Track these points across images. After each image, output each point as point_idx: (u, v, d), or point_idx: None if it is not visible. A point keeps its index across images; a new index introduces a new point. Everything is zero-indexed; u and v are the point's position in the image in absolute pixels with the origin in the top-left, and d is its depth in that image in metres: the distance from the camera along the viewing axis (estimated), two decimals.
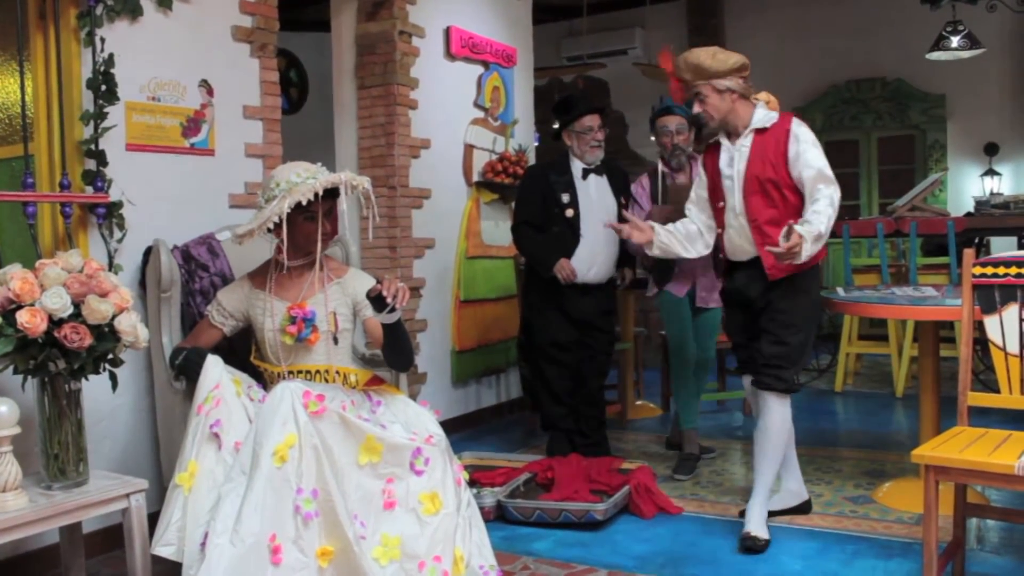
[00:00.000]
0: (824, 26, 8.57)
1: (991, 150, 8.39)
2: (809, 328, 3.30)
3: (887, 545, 3.18)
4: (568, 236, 4.11)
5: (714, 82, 3.22)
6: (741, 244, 3.33)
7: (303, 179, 2.73)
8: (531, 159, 5.70)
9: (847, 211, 7.90)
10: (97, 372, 2.49)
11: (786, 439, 3.34)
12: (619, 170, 4.31)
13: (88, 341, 2.38)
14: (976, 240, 6.56)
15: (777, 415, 3.24)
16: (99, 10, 3.10)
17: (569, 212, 4.11)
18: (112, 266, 3.14)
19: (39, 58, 3.08)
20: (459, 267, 5.16)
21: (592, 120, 4.13)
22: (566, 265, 4.07)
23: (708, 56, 3.23)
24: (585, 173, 4.16)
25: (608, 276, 4.22)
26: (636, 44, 9.23)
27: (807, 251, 2.95)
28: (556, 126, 4.27)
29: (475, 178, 5.28)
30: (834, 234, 4.08)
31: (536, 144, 6.17)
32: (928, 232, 5.72)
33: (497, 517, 3.48)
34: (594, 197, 4.15)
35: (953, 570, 2.79)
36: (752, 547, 3.12)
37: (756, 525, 3.18)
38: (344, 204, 2.80)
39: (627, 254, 4.28)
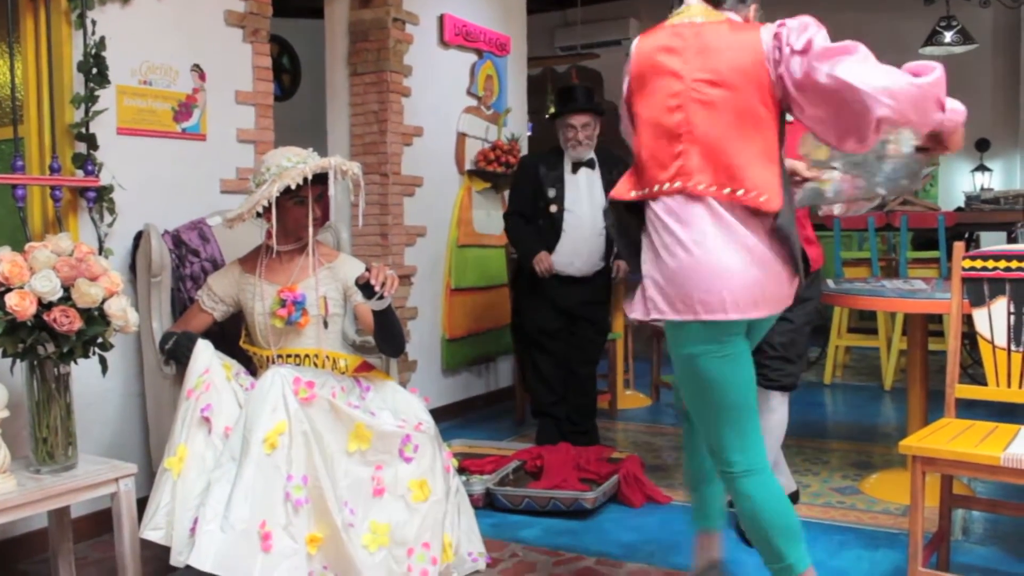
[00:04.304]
0: (818, 19, 8.57)
1: (982, 146, 8.43)
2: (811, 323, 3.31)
3: (873, 536, 3.20)
4: (551, 231, 4.14)
5: None
6: None
7: (293, 164, 2.72)
8: (524, 148, 5.69)
9: None
10: (87, 356, 2.48)
11: (782, 437, 3.34)
12: (618, 161, 4.25)
13: (77, 325, 2.37)
14: (966, 235, 6.59)
15: (779, 414, 3.24)
16: None
17: (553, 208, 4.14)
18: (102, 250, 3.12)
19: (29, 40, 3.06)
20: (450, 255, 5.15)
21: (578, 119, 4.13)
22: (544, 259, 4.13)
23: None
24: (575, 167, 4.18)
25: (593, 269, 4.23)
26: (630, 35, 9.20)
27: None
28: (552, 111, 4.29)
29: (467, 166, 5.28)
30: (824, 227, 4.09)
31: (529, 133, 6.16)
32: (919, 226, 5.76)
33: (486, 504, 3.49)
34: (584, 191, 4.17)
35: (938, 560, 2.81)
36: None
37: None
38: (333, 189, 2.79)
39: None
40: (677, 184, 2.13)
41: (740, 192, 2.08)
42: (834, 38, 2.06)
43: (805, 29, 2.04)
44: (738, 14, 2.23)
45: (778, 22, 2.10)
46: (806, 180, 2.49)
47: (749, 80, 2.08)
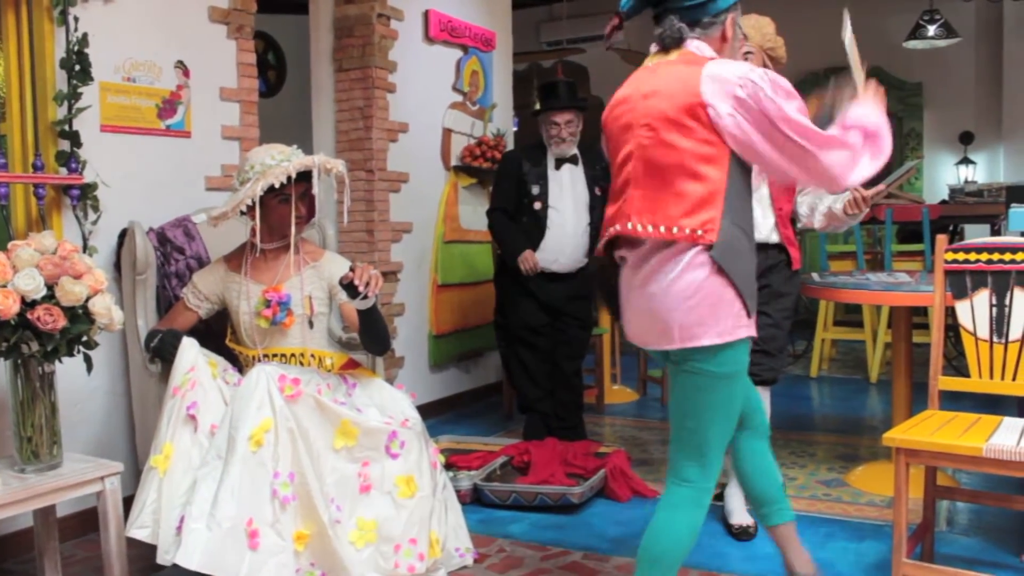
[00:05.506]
0: (803, 13, 8.60)
1: (966, 139, 8.47)
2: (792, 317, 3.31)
3: (859, 527, 3.22)
4: (535, 228, 4.15)
5: None
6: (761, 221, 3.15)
7: (277, 161, 2.71)
8: (509, 144, 5.69)
9: None
10: (71, 354, 2.48)
11: None
12: (600, 157, 4.25)
13: (61, 323, 2.36)
14: (950, 227, 6.64)
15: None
16: None
17: (537, 205, 4.15)
18: (86, 248, 3.11)
19: (11, 37, 3.03)
20: (437, 251, 5.15)
21: (561, 117, 4.14)
22: (529, 257, 4.13)
23: None
24: (559, 163, 4.19)
25: (577, 266, 4.24)
26: None
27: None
28: (537, 106, 4.29)
29: (453, 162, 5.27)
30: None
31: (515, 129, 6.16)
32: (903, 219, 5.79)
33: (473, 500, 3.49)
34: (567, 187, 4.18)
35: (922, 551, 2.83)
36: (747, 535, 3.13)
37: (741, 515, 3.19)
38: (317, 187, 2.79)
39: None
40: (617, 227, 2.16)
41: (675, 230, 2.04)
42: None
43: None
44: (707, 40, 2.14)
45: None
46: None
47: (686, 117, 2.01)
